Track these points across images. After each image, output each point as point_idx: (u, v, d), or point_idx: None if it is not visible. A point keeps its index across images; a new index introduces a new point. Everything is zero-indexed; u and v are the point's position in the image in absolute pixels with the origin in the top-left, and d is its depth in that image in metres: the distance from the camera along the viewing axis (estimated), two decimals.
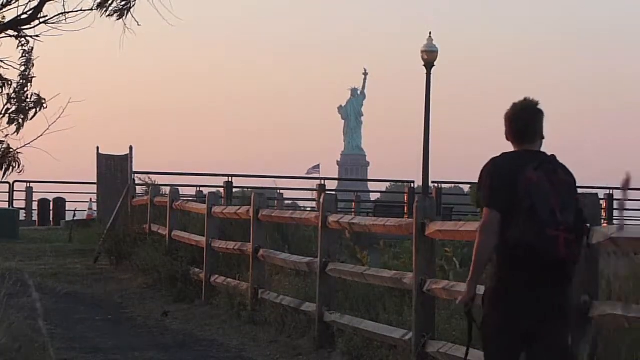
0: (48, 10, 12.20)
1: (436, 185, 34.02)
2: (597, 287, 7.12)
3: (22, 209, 33.43)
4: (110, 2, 12.12)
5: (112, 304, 15.17)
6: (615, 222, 31.67)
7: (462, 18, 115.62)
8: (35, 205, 34.29)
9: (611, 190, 34.99)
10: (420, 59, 33.23)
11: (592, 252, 7.06)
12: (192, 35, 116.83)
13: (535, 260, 5.59)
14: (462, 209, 32.76)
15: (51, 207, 33.32)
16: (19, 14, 12.12)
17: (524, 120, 5.88)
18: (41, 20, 12.13)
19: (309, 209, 32.29)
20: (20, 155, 11.47)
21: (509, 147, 5.97)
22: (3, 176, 11.68)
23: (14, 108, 11.51)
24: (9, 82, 11.65)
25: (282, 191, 33.99)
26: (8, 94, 11.61)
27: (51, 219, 32.76)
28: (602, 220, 29.45)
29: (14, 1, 12.08)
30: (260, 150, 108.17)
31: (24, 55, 11.82)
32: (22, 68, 11.75)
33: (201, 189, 29.77)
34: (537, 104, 5.91)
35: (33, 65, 11.79)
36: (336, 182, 56.85)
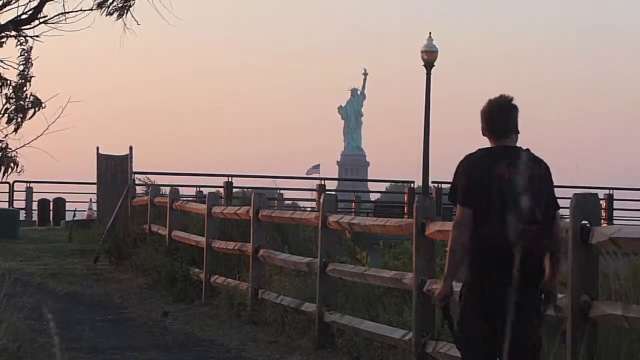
0: (48, 10, 12.20)
1: (436, 185, 33.99)
2: (597, 287, 7.12)
3: (22, 209, 33.41)
4: (110, 1, 12.11)
5: (112, 304, 15.17)
6: (615, 222, 31.73)
7: (462, 18, 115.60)
8: (35, 205, 34.27)
9: (611, 190, 35.01)
10: (420, 59, 33.25)
11: (592, 252, 7.07)
12: (192, 35, 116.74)
13: (507, 253, 5.70)
14: None
15: (51, 207, 33.30)
16: (18, 14, 12.12)
17: (499, 115, 6.07)
18: (41, 20, 12.12)
19: (309, 209, 32.29)
20: (20, 155, 11.46)
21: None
22: (2, 176, 11.66)
23: (12, 108, 11.50)
24: (8, 82, 11.64)
25: (282, 191, 33.99)
26: (7, 94, 11.60)
27: (51, 219, 32.74)
28: (602, 220, 29.45)
29: (13, 1, 12.07)
30: (260, 150, 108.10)
31: (22, 54, 11.81)
32: (21, 68, 11.74)
33: (201, 189, 29.75)
34: (511, 99, 6.10)
35: (32, 64, 11.77)
36: (336, 182, 56.81)
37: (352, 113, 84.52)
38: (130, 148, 25.18)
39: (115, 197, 23.05)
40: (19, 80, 11.68)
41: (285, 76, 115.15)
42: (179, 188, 20.95)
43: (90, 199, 33.70)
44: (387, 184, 48.72)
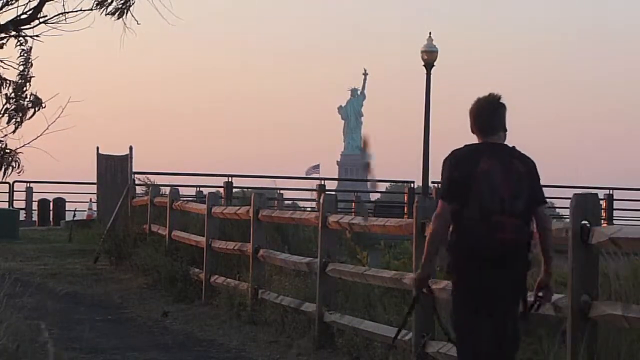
0: (48, 10, 12.19)
1: (436, 185, 33.96)
2: (597, 287, 7.12)
3: (22, 209, 33.42)
4: (110, 1, 12.10)
5: (112, 304, 15.17)
6: (615, 222, 31.73)
7: (462, 18, 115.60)
8: (35, 206, 34.28)
9: (611, 191, 35.02)
10: (420, 59, 33.25)
11: (592, 252, 7.07)
12: (192, 35, 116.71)
13: (484, 244, 6.02)
14: None
15: (51, 207, 33.32)
16: (18, 13, 12.11)
17: (487, 113, 6.25)
18: (41, 20, 12.12)
19: (308, 209, 32.29)
20: (20, 155, 11.45)
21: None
22: (3, 176, 11.65)
23: (12, 107, 11.50)
24: (8, 82, 11.63)
25: (282, 191, 33.99)
26: (7, 94, 11.60)
27: (51, 219, 32.76)
28: (602, 220, 29.45)
29: (13, 1, 12.07)
30: (260, 150, 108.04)
31: (22, 54, 11.80)
32: (21, 68, 11.74)
33: (201, 189, 29.77)
34: (499, 98, 6.27)
35: (32, 65, 11.77)
36: (336, 182, 56.80)
37: (352, 113, 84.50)
38: (130, 148, 25.19)
39: (115, 197, 23.06)
40: (19, 80, 11.67)
41: (285, 76, 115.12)
42: (179, 188, 20.96)
43: (90, 199, 33.72)
44: (387, 184, 48.72)
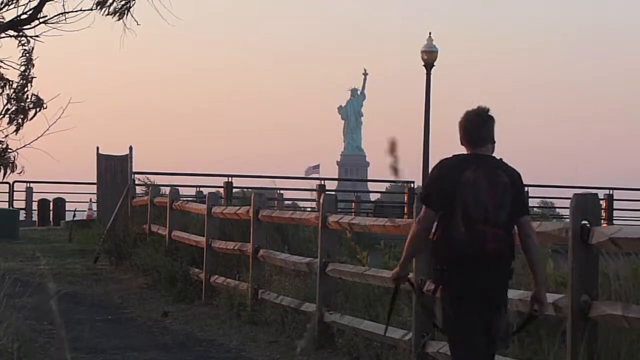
0: (48, 10, 12.20)
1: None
2: (597, 287, 7.12)
3: (22, 209, 33.41)
4: (110, 1, 12.11)
5: (112, 304, 15.16)
6: (615, 222, 31.72)
7: (462, 18, 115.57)
8: (35, 206, 34.28)
9: (611, 191, 35.02)
10: (420, 59, 33.25)
11: (592, 252, 7.07)
12: (192, 35, 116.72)
13: (467, 252, 6.14)
14: None
15: (51, 207, 33.31)
16: (18, 14, 12.12)
17: (476, 125, 6.39)
18: (41, 20, 12.13)
19: (308, 209, 32.28)
20: (20, 156, 11.46)
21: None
22: (3, 177, 11.66)
23: (13, 108, 11.51)
24: (10, 82, 11.64)
25: (281, 191, 33.97)
26: (8, 94, 11.60)
27: (51, 219, 32.75)
28: (602, 220, 29.44)
29: (13, 1, 12.08)
30: (260, 150, 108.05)
31: (24, 55, 11.81)
32: (22, 68, 11.75)
33: (201, 189, 29.78)
34: (487, 111, 6.42)
35: (33, 65, 11.78)
36: (336, 182, 56.81)
37: (352, 113, 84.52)
38: (130, 148, 25.18)
39: (115, 197, 23.06)
40: (20, 80, 11.69)
41: (285, 76, 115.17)
42: (179, 188, 20.97)
43: (90, 199, 33.72)
44: (387, 184, 48.73)
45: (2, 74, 11.66)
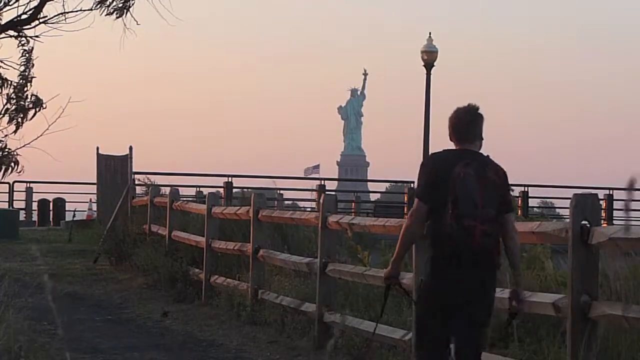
0: (48, 10, 12.18)
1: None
2: (597, 287, 7.12)
3: (22, 209, 33.41)
4: (110, 1, 12.10)
5: (112, 304, 15.16)
6: (615, 222, 31.69)
7: (462, 18, 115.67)
8: (35, 206, 34.27)
9: (611, 191, 35.02)
10: (420, 59, 33.26)
11: (592, 252, 7.06)
12: (192, 35, 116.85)
13: (455, 246, 6.27)
14: None
15: (51, 208, 33.32)
16: (18, 14, 12.10)
17: (465, 122, 6.53)
18: (41, 20, 12.11)
19: (308, 209, 32.29)
20: (19, 156, 11.45)
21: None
22: (2, 176, 11.65)
23: (13, 107, 11.50)
24: (9, 82, 11.63)
25: (281, 191, 33.98)
26: (8, 94, 11.59)
27: (51, 219, 32.75)
28: (602, 220, 29.43)
29: (13, 1, 12.07)
30: (260, 150, 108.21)
31: (23, 55, 11.80)
32: (22, 68, 11.74)
33: (201, 189, 29.77)
34: (477, 108, 6.57)
35: (33, 65, 11.76)
36: (336, 182, 56.83)
37: (352, 113, 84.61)
38: (130, 148, 25.17)
39: (115, 197, 23.05)
40: (19, 80, 11.67)
41: (285, 76, 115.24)
42: (179, 188, 20.95)
43: (90, 199, 33.71)
44: (387, 184, 48.74)
45: (2, 74, 11.65)
